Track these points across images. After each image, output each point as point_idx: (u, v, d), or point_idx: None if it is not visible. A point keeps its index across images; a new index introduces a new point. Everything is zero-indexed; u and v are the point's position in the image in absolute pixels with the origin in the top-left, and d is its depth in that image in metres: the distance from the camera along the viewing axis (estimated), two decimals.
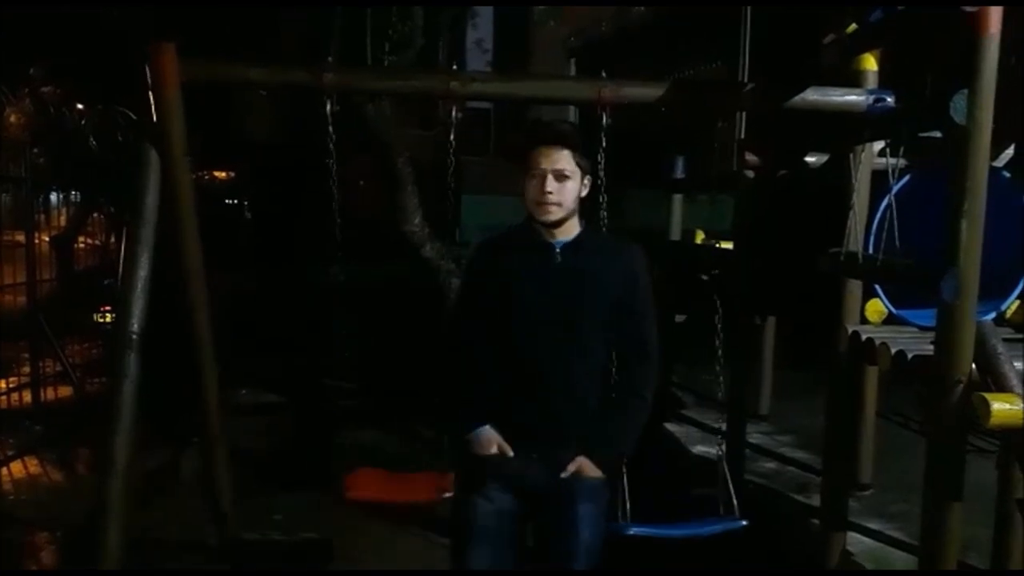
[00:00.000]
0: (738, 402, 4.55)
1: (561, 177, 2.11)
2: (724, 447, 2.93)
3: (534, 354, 2.14)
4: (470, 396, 2.23)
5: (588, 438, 2.16)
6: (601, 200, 3.11)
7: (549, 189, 2.10)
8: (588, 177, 2.19)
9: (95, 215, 8.04)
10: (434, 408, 2.24)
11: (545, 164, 2.11)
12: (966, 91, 2.26)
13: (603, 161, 3.09)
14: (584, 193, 2.18)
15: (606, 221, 3.12)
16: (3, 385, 5.82)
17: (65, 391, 5.95)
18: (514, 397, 2.16)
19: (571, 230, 2.19)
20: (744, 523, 2.68)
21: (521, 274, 2.17)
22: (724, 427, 3.32)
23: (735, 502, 2.68)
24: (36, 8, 7.01)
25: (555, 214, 2.13)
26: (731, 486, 2.69)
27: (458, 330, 2.30)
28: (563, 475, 2.13)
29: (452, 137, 2.89)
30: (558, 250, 2.17)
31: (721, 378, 3.21)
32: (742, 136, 4.73)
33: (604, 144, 3.03)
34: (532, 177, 2.13)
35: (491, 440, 2.15)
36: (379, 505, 2.92)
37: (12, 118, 7.15)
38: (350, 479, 2.63)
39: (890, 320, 3.15)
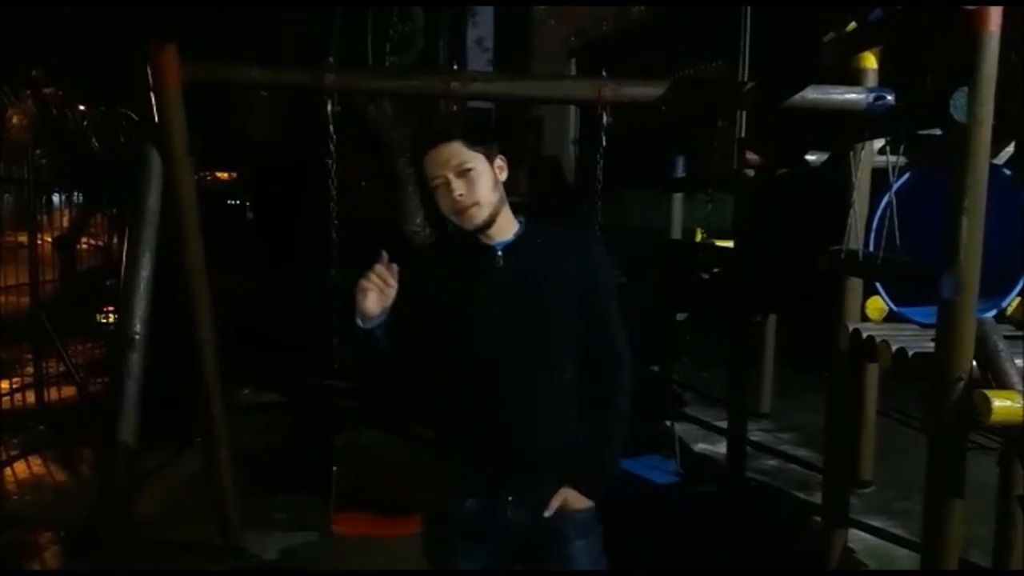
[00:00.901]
0: (739, 400, 4.55)
1: (462, 172, 1.81)
2: (675, 421, 3.11)
3: (494, 377, 1.85)
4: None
5: (571, 467, 1.90)
6: (596, 200, 3.12)
7: (458, 192, 1.80)
8: (499, 158, 1.88)
9: (97, 216, 8.05)
10: (432, 408, 2.04)
11: (440, 168, 1.82)
12: (966, 88, 2.26)
13: (602, 160, 3.11)
14: (503, 177, 1.88)
15: (600, 220, 3.14)
16: (7, 385, 5.83)
17: (68, 391, 5.96)
18: (476, 430, 1.87)
19: (508, 228, 1.89)
20: (677, 477, 2.82)
21: (461, 286, 1.87)
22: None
23: (678, 462, 2.97)
24: (37, 8, 7.02)
25: (479, 215, 1.82)
26: (678, 448, 2.95)
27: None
28: (547, 513, 1.87)
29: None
30: (499, 252, 1.87)
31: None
32: (742, 135, 4.73)
33: (604, 143, 3.05)
34: (436, 188, 1.84)
35: (379, 273, 1.75)
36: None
37: (14, 119, 7.15)
38: (337, 517, 2.70)
39: (891, 317, 3.15)
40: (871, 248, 2.92)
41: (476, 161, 1.82)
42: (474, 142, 1.84)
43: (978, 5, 2.25)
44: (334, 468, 2.88)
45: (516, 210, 1.93)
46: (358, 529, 2.84)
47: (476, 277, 1.88)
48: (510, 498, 1.87)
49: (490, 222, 1.85)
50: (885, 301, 3.13)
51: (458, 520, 1.89)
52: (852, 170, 3.07)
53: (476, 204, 1.82)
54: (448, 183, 1.81)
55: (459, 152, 1.82)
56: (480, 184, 1.82)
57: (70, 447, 5.08)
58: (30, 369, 5.93)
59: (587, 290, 1.90)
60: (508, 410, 1.86)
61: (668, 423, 3.04)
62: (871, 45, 3.16)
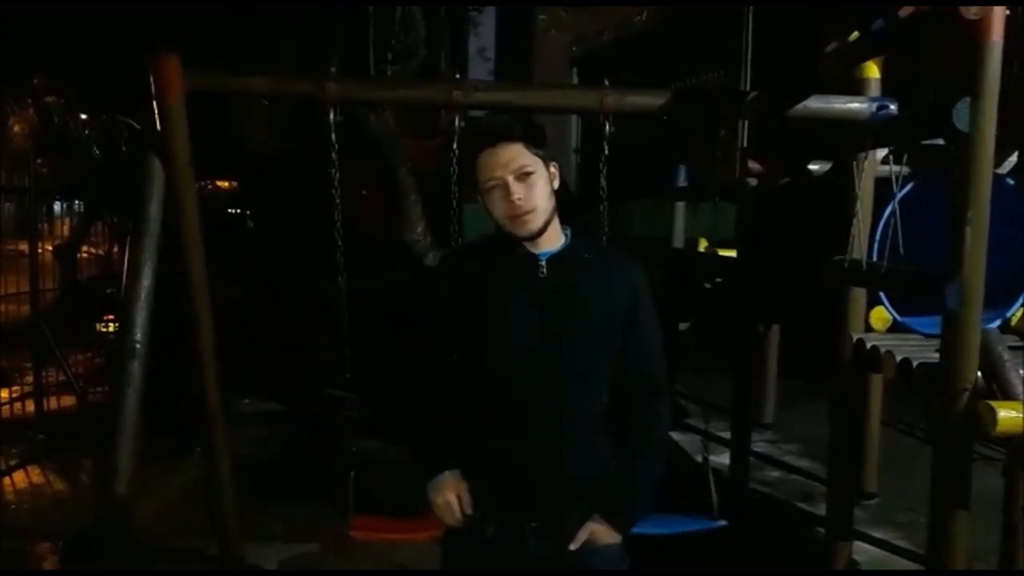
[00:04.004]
0: (742, 410, 4.53)
1: (523, 176, 1.72)
2: (708, 450, 2.90)
3: (523, 394, 1.74)
4: (433, 440, 1.84)
5: (600, 498, 1.79)
6: (599, 209, 3.11)
7: (517, 196, 1.71)
8: (553, 165, 1.80)
9: (98, 225, 8.06)
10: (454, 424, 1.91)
11: (499, 169, 1.72)
12: (969, 99, 2.26)
13: (605, 169, 3.10)
14: (556, 185, 1.79)
15: (607, 230, 3.14)
16: (6, 394, 5.82)
17: (68, 401, 5.95)
18: (501, 450, 1.76)
19: (555, 238, 1.80)
20: (724, 523, 2.61)
21: (500, 295, 1.77)
22: (707, 428, 3.32)
23: (715, 501, 2.65)
24: (38, 7, 7.05)
25: (534, 221, 1.73)
26: (714, 487, 2.64)
27: (427, 374, 1.88)
28: (572, 547, 1.76)
29: (455, 146, 2.89)
30: (543, 262, 1.77)
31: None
32: (745, 144, 4.73)
33: (606, 152, 3.04)
34: (491, 189, 1.74)
35: (450, 486, 1.78)
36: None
37: (16, 128, 7.18)
38: (355, 522, 2.68)
39: (895, 328, 3.14)
40: (875, 258, 2.91)
41: (536, 165, 1.74)
42: (535, 145, 1.76)
43: (981, 8, 2.24)
44: (351, 474, 2.82)
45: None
46: (376, 534, 2.79)
47: (516, 286, 1.78)
48: (533, 524, 1.77)
49: (543, 230, 1.76)
50: (889, 311, 3.12)
51: (478, 546, 1.79)
52: (855, 179, 3.07)
53: (534, 210, 1.73)
54: (506, 186, 1.72)
55: (521, 154, 1.73)
56: (537, 190, 1.74)
57: (69, 457, 5.06)
58: (30, 378, 5.92)
59: (629, 311, 1.82)
60: (535, 430, 1.75)
61: (700, 459, 2.89)
62: (874, 55, 3.16)
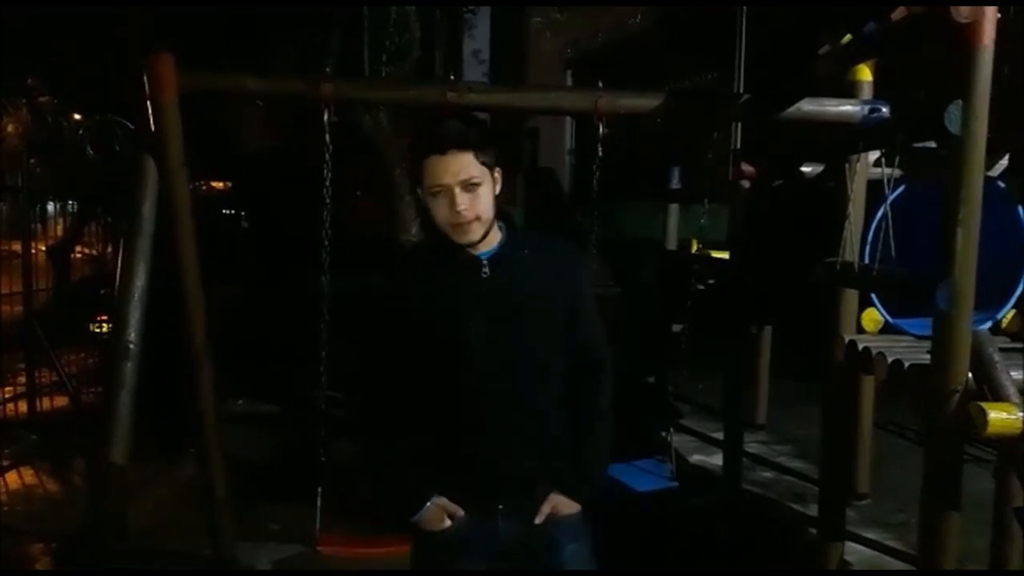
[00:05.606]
0: (735, 411, 4.55)
1: (470, 187, 1.73)
2: (672, 430, 3.29)
3: (482, 393, 1.79)
4: (404, 470, 1.89)
5: (558, 473, 1.89)
6: (592, 210, 3.12)
7: (462, 205, 1.72)
8: (498, 170, 1.81)
9: (92, 225, 8.04)
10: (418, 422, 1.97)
11: (447, 177, 1.72)
12: (960, 101, 2.27)
13: (599, 171, 3.11)
14: (499, 190, 1.81)
15: (596, 230, 3.15)
16: None
17: (61, 401, 5.93)
18: (465, 444, 1.82)
19: (493, 238, 1.83)
20: (676, 485, 2.97)
21: (447, 299, 1.80)
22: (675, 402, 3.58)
23: (673, 467, 3.02)
24: (33, 7, 7.02)
25: (478, 231, 1.76)
26: (674, 455, 3.02)
27: (380, 385, 1.91)
28: (537, 520, 1.86)
29: None
30: (485, 262, 1.81)
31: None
32: (737, 146, 4.75)
33: (600, 154, 3.05)
34: (436, 196, 1.74)
35: (440, 515, 1.85)
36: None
37: (9, 128, 7.16)
38: (323, 538, 2.76)
39: (886, 329, 3.15)
40: (867, 259, 2.93)
41: (484, 176, 1.77)
42: (485, 155, 1.77)
43: (971, 11, 2.25)
44: (319, 488, 2.89)
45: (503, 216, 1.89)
46: (343, 550, 2.88)
47: (462, 289, 1.81)
48: (500, 507, 1.86)
49: (483, 236, 1.80)
50: (881, 313, 3.13)
51: (450, 534, 1.85)
52: (847, 182, 3.08)
53: (477, 219, 1.76)
54: (452, 195, 1.73)
55: (470, 165, 1.74)
56: (482, 200, 1.76)
57: (62, 457, 5.04)
58: (22, 378, 5.90)
59: (573, 297, 1.91)
60: (497, 422, 1.81)
61: (664, 433, 3.07)
62: (866, 58, 3.17)
